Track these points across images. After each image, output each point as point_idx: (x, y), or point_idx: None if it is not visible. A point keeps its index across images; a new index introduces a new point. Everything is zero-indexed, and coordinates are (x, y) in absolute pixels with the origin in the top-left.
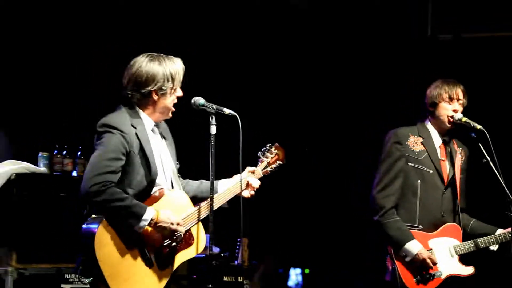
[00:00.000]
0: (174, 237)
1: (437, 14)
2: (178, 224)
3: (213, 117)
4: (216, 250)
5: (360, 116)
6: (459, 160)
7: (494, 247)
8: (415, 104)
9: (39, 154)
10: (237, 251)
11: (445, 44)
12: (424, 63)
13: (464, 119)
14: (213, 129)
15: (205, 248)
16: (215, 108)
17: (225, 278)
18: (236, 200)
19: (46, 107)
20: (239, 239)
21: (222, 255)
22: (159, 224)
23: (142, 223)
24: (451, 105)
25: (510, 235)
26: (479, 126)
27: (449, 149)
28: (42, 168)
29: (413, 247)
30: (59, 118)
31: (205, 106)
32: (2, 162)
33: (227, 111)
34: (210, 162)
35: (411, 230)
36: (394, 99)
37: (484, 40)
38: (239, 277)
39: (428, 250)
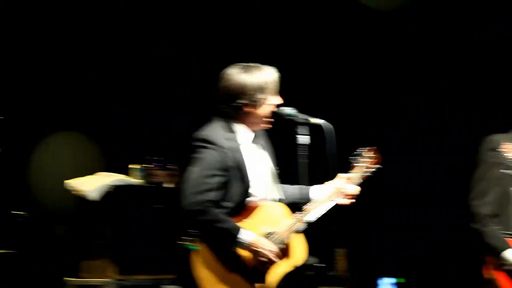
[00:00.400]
0: (269, 260)
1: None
2: (274, 252)
3: (301, 126)
4: (312, 260)
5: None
6: None
7: None
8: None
9: (133, 166)
10: (333, 261)
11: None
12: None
13: None
14: (301, 139)
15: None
16: (302, 118)
17: None
18: (333, 208)
19: (138, 119)
20: (335, 249)
21: (319, 265)
22: (255, 247)
23: (236, 245)
24: None
25: None
26: None
27: None
28: (138, 180)
29: (510, 256)
30: (151, 130)
31: (292, 116)
32: (95, 174)
33: (313, 120)
34: (299, 173)
35: (507, 239)
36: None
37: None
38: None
39: None
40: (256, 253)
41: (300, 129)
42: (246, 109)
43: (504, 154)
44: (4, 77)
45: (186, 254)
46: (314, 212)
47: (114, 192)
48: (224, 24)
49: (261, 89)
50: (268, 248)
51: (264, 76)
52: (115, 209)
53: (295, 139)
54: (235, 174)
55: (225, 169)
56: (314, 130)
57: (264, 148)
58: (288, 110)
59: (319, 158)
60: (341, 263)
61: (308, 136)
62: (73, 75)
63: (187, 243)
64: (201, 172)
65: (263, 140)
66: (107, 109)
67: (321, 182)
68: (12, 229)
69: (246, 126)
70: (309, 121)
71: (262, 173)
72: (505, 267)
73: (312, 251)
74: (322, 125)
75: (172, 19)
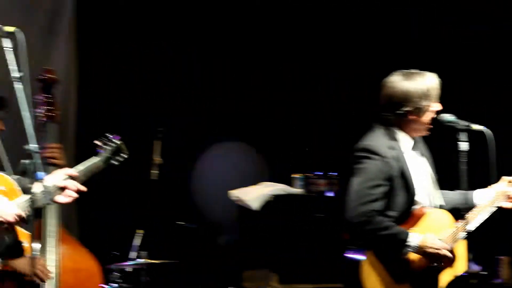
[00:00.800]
0: (440, 262)
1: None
2: (446, 249)
3: (463, 133)
4: (475, 268)
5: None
6: None
7: None
8: None
9: (295, 176)
10: (497, 269)
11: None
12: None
13: None
14: (462, 146)
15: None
16: (463, 124)
17: None
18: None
19: (299, 130)
20: (499, 257)
21: (482, 273)
22: (425, 251)
23: (406, 250)
24: None
25: None
26: None
27: None
28: (298, 189)
29: None
30: (312, 140)
31: (453, 122)
32: (258, 184)
33: (475, 126)
34: (461, 180)
35: None
36: None
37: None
38: None
39: None
40: (426, 253)
41: (461, 136)
42: (410, 117)
43: None
44: (165, 90)
45: (353, 264)
46: (476, 219)
47: (274, 202)
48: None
49: (425, 95)
50: (440, 244)
51: (427, 82)
52: (275, 219)
53: (455, 145)
54: (399, 183)
55: (389, 179)
56: (474, 136)
57: (423, 155)
58: (449, 117)
59: (478, 164)
60: (505, 271)
61: (468, 143)
62: (324, 101)
63: (354, 254)
64: (364, 183)
65: (422, 146)
66: (268, 120)
67: (480, 188)
68: (176, 239)
69: (406, 133)
70: (471, 127)
71: (423, 179)
72: None
73: (475, 259)
74: (484, 131)
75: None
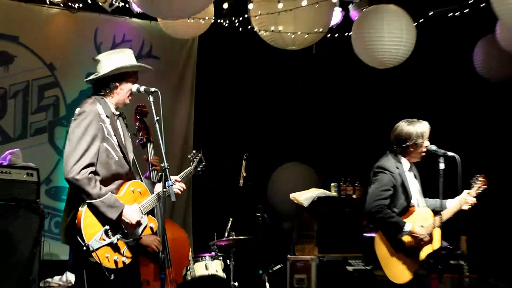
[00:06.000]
0: (423, 241)
1: None
2: (426, 234)
3: (442, 158)
4: (445, 243)
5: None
6: None
7: None
8: None
9: (332, 184)
10: (458, 244)
11: None
12: None
13: None
14: (441, 166)
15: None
16: (442, 152)
17: (451, 262)
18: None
19: (336, 153)
20: (460, 236)
21: (449, 247)
22: (414, 234)
23: (402, 233)
24: None
25: None
26: None
27: None
28: (333, 193)
29: None
30: (345, 155)
31: (436, 151)
32: (308, 189)
33: (450, 154)
34: (439, 190)
35: None
36: None
37: None
38: (459, 261)
39: None
40: (415, 237)
41: (440, 160)
42: (411, 149)
43: None
44: (250, 128)
45: (369, 239)
46: (446, 215)
47: (317, 201)
48: None
49: (421, 136)
50: (423, 230)
51: (423, 127)
52: (319, 212)
53: (436, 166)
54: (400, 190)
55: (394, 187)
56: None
57: (415, 174)
58: (433, 147)
59: (449, 180)
60: (463, 245)
61: (444, 164)
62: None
63: (370, 233)
64: (379, 188)
65: (415, 169)
66: (314, 146)
67: (453, 196)
68: (254, 225)
69: (407, 160)
70: (447, 154)
71: (414, 189)
72: None
73: (445, 238)
74: (455, 157)
75: None
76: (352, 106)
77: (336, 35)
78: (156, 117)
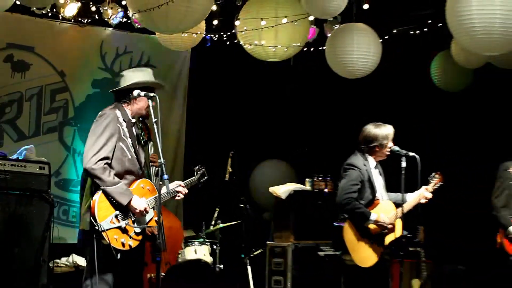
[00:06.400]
0: (386, 230)
1: None
2: (389, 223)
3: (404, 158)
4: (405, 232)
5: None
6: None
7: None
8: None
9: (307, 179)
10: (416, 233)
11: None
12: None
13: None
14: (403, 165)
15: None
16: (404, 152)
17: (410, 248)
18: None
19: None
20: (418, 226)
21: (409, 235)
22: (378, 223)
23: (368, 222)
24: None
25: None
26: None
27: None
28: (308, 187)
29: None
30: (318, 154)
31: (398, 151)
32: (286, 184)
33: (410, 154)
34: (401, 185)
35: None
36: None
37: None
38: (417, 248)
39: None
40: (379, 225)
41: (402, 159)
42: (376, 149)
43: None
44: (237, 131)
45: (339, 229)
46: (406, 208)
47: (294, 194)
48: None
49: (386, 138)
50: (386, 221)
51: (388, 130)
52: (294, 204)
53: (399, 165)
54: (367, 185)
55: (362, 182)
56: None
57: (379, 171)
58: (396, 148)
59: (410, 177)
60: (421, 234)
61: (406, 163)
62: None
63: (339, 223)
64: (348, 182)
65: (379, 166)
66: (293, 145)
67: (412, 190)
68: (238, 214)
69: (373, 158)
70: (408, 154)
71: (379, 184)
72: (509, 236)
73: (405, 227)
74: (416, 157)
75: None
76: (325, 112)
77: (312, 49)
78: (155, 118)
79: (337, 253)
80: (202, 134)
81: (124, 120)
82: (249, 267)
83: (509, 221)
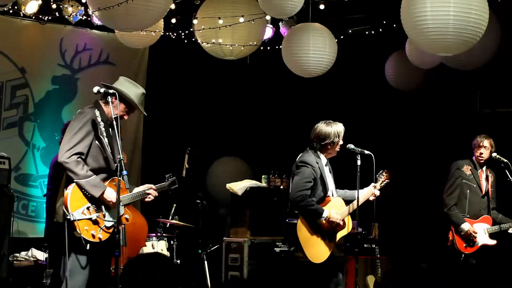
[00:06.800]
0: (339, 227)
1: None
2: (341, 219)
3: (359, 156)
4: (360, 229)
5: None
6: (491, 179)
7: (510, 230)
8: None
9: (263, 176)
10: (371, 230)
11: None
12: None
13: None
14: (358, 162)
15: (353, 228)
16: (360, 150)
17: (365, 245)
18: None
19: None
20: (372, 223)
21: (363, 232)
22: (330, 220)
23: (321, 219)
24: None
25: None
26: None
27: (485, 173)
28: (264, 184)
29: (465, 226)
30: (274, 151)
31: (354, 149)
32: (242, 180)
33: (366, 152)
34: (357, 181)
35: (464, 218)
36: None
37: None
38: (372, 245)
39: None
40: (331, 222)
41: (358, 157)
42: (328, 147)
43: (464, 172)
44: (193, 127)
45: (292, 225)
46: (356, 204)
47: (249, 191)
48: None
49: (337, 136)
50: (338, 216)
51: (339, 128)
52: (251, 200)
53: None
54: (319, 182)
55: (314, 179)
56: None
57: (329, 168)
58: (352, 146)
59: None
60: (375, 231)
61: (360, 161)
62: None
63: (292, 219)
64: (302, 179)
65: (329, 164)
66: (250, 143)
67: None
68: (195, 210)
69: (324, 156)
70: (364, 152)
71: (330, 182)
72: (461, 234)
73: (360, 224)
74: (371, 154)
75: None
76: (283, 110)
77: (268, 48)
78: (114, 115)
79: (291, 249)
80: (159, 131)
81: (102, 120)
82: (205, 262)
83: (460, 219)
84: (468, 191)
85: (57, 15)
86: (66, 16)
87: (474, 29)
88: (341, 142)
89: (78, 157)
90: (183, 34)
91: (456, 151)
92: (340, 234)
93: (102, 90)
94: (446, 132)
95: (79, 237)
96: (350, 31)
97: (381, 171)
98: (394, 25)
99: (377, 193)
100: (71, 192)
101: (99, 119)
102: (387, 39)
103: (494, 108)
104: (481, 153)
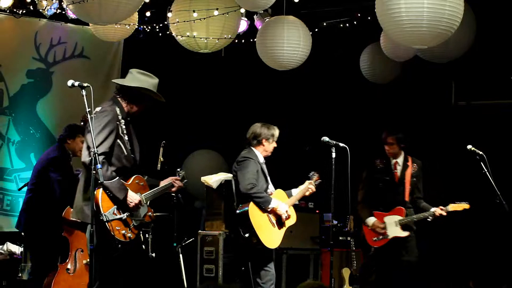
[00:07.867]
0: (285, 216)
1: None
2: (286, 210)
3: (333, 148)
4: (335, 222)
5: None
6: (412, 170)
7: (429, 219)
8: None
9: None
10: (347, 222)
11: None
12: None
13: None
14: (333, 155)
15: (328, 221)
16: (334, 143)
17: (340, 238)
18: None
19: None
20: (348, 216)
21: (339, 224)
22: (277, 211)
23: (270, 207)
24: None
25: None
26: None
27: (403, 163)
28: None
29: (369, 221)
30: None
31: (329, 142)
32: (217, 173)
33: (341, 144)
34: (332, 175)
35: (374, 212)
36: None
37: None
38: (348, 237)
39: (382, 223)
40: (279, 212)
41: (333, 149)
42: (264, 143)
43: (375, 166)
44: (170, 121)
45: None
46: (296, 199)
47: (224, 184)
48: None
49: (271, 136)
50: (284, 209)
51: (274, 130)
52: (225, 193)
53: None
54: (261, 175)
55: (257, 171)
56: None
57: (265, 164)
58: (326, 138)
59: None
60: (351, 224)
61: (335, 153)
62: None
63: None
64: (249, 170)
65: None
66: (224, 137)
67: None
68: (170, 203)
69: (260, 153)
70: (339, 145)
71: (267, 176)
72: (369, 228)
73: (335, 217)
74: (346, 147)
75: None
76: (254, 103)
77: (243, 41)
78: (88, 108)
79: (246, 236)
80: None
81: (122, 118)
82: (181, 256)
83: (366, 214)
84: (380, 184)
85: (32, 8)
86: (41, 10)
87: (449, 22)
88: (274, 144)
89: (103, 158)
90: (157, 27)
91: (431, 143)
92: (288, 223)
93: (76, 83)
94: (422, 125)
95: (110, 238)
96: (324, 24)
97: (312, 172)
98: (369, 18)
99: (313, 189)
100: (101, 194)
101: (119, 117)
102: (362, 31)
103: (469, 100)
104: (387, 149)
